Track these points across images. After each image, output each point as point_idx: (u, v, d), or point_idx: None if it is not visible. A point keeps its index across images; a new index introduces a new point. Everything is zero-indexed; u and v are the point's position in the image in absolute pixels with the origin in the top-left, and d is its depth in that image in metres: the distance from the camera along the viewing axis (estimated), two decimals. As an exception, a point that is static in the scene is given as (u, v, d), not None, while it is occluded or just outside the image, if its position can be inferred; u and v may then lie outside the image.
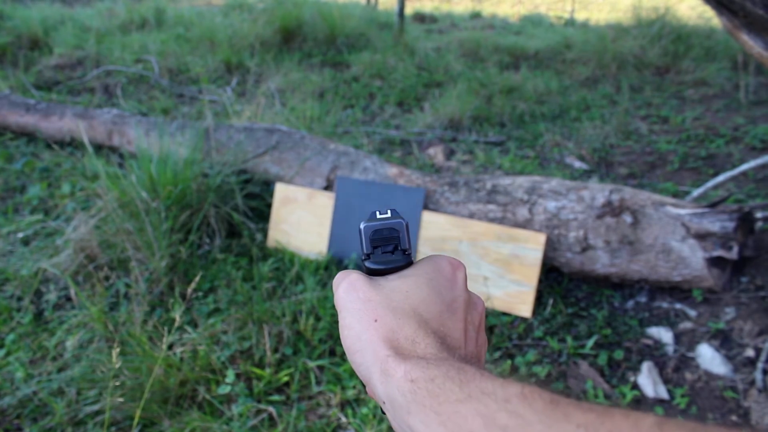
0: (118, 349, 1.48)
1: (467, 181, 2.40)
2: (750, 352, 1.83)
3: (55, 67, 5.52)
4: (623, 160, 3.44)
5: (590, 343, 1.93)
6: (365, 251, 0.45)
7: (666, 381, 1.80)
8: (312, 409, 1.73)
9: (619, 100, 4.48)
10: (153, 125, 3.24)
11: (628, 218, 2.07)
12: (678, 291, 2.13)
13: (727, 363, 1.81)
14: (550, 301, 2.14)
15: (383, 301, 0.41)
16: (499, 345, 1.96)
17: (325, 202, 2.46)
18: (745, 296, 2.03)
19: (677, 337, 1.95)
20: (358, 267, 2.32)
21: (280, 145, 2.78)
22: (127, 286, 2.25)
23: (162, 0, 8.07)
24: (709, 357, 1.84)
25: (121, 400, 1.63)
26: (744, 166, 2.47)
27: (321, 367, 1.87)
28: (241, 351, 1.91)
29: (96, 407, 1.69)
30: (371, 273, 0.46)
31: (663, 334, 1.96)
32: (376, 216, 0.46)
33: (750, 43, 2.08)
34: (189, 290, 1.80)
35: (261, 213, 2.68)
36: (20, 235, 2.67)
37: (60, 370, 1.87)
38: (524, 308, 2.08)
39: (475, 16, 9.88)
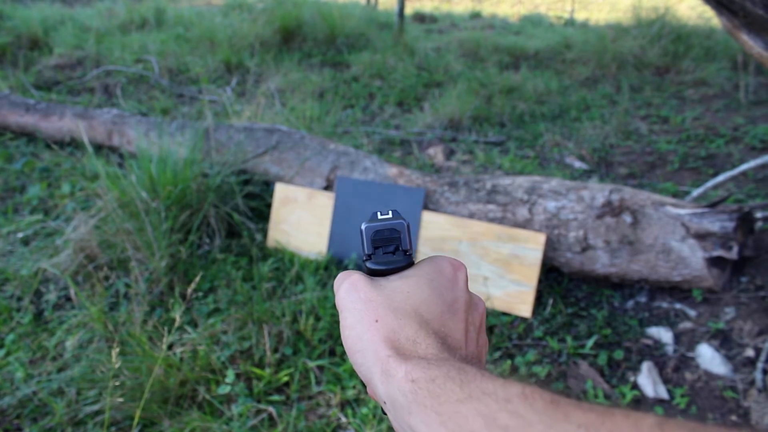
0: (117, 349, 1.48)
1: (467, 181, 2.40)
2: (750, 352, 1.83)
3: (54, 67, 5.52)
4: (623, 160, 3.44)
5: (590, 343, 1.93)
6: (366, 252, 0.45)
7: (666, 381, 1.80)
8: (312, 409, 1.73)
9: (619, 100, 4.48)
10: (153, 125, 3.24)
11: (628, 218, 2.07)
12: (678, 291, 2.13)
13: (727, 363, 1.81)
14: (550, 301, 2.14)
15: (384, 302, 0.41)
16: (499, 345, 1.96)
17: (325, 202, 2.46)
18: (744, 296, 2.03)
19: (677, 337, 1.96)
20: (359, 267, 2.32)
21: (280, 145, 2.78)
22: (127, 286, 2.25)
23: (162, 0, 8.07)
24: (709, 357, 1.84)
25: (120, 400, 1.63)
26: (744, 166, 2.47)
27: (321, 367, 1.87)
28: (241, 351, 1.91)
29: (96, 407, 1.69)
30: (372, 273, 0.46)
31: (663, 334, 1.97)
32: (377, 217, 0.46)
33: (750, 43, 2.08)
34: (189, 290, 1.80)
35: (261, 213, 2.68)
36: (20, 235, 2.67)
37: (60, 370, 1.87)
38: (524, 308, 2.08)
39: (475, 16, 9.89)
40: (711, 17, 5.99)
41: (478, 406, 0.31)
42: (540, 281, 2.19)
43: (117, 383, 1.67)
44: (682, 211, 2.04)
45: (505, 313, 2.10)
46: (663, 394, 1.74)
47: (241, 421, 1.64)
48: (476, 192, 2.33)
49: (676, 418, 0.29)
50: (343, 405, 1.73)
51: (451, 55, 5.84)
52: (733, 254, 1.96)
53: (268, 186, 2.78)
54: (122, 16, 7.33)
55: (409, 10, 9.36)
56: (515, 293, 2.10)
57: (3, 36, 6.14)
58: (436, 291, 0.43)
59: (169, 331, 1.86)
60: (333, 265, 2.37)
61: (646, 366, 1.83)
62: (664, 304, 2.10)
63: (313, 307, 2.07)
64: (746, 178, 2.96)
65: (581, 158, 3.49)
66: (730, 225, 1.95)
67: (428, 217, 2.28)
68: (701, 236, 1.98)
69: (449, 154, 3.57)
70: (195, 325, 2.05)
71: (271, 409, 1.70)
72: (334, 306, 2.08)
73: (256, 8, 7.48)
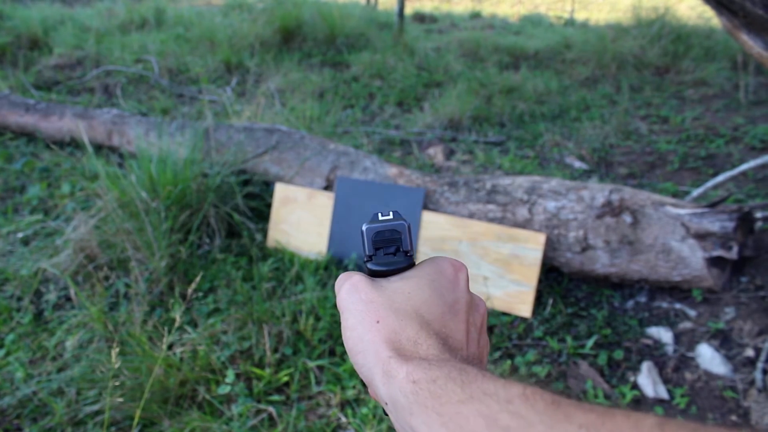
0: (117, 349, 1.48)
1: (467, 181, 2.40)
2: (750, 352, 1.83)
3: (54, 67, 5.52)
4: (623, 160, 3.44)
5: (590, 343, 1.93)
6: (367, 253, 0.45)
7: (666, 381, 1.80)
8: (312, 409, 1.73)
9: (618, 100, 4.48)
10: (153, 125, 3.24)
11: (627, 218, 2.07)
12: (678, 291, 2.13)
13: (726, 363, 1.81)
14: (550, 301, 2.14)
15: (385, 303, 0.41)
16: (499, 345, 1.96)
17: (325, 202, 2.46)
18: (744, 296, 2.03)
19: (677, 337, 1.96)
20: (359, 267, 2.33)
21: (280, 145, 2.78)
22: (127, 286, 2.25)
23: (162, 0, 8.07)
24: (708, 357, 1.84)
25: (120, 400, 1.63)
26: (744, 166, 2.47)
27: (321, 367, 1.87)
28: (241, 351, 1.91)
29: (96, 407, 1.69)
30: (373, 274, 0.46)
31: (663, 334, 1.97)
32: (378, 218, 0.46)
33: (750, 43, 2.08)
34: (189, 290, 1.80)
35: (261, 213, 2.68)
36: (20, 235, 2.67)
37: (60, 370, 1.87)
38: (524, 308, 2.08)
39: (475, 16, 9.89)
40: (711, 17, 5.99)
41: (479, 407, 0.31)
42: (540, 281, 2.20)
43: (117, 383, 1.67)
44: (682, 211, 2.04)
45: (505, 313, 2.10)
46: (663, 394, 1.74)
47: (241, 421, 1.65)
48: (476, 192, 2.33)
49: (677, 418, 0.29)
50: (343, 405, 1.73)
51: (451, 55, 5.84)
52: (733, 254, 1.96)
53: (268, 186, 2.78)
54: (122, 16, 7.33)
55: (409, 10, 9.36)
56: (515, 293, 2.10)
57: (3, 36, 6.14)
58: (437, 292, 0.43)
59: (169, 331, 1.86)
60: (333, 265, 2.37)
61: (646, 366, 1.83)
62: (664, 304, 2.10)
63: (313, 307, 2.07)
64: (746, 178, 2.96)
65: (581, 158, 3.49)
66: (730, 225, 1.95)
67: (428, 217, 2.28)
68: (701, 236, 1.98)
69: (449, 154, 3.57)
70: (195, 325, 2.05)
71: (271, 409, 1.70)
72: (334, 306, 2.08)
73: (256, 8, 7.48)
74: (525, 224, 2.20)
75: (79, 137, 3.45)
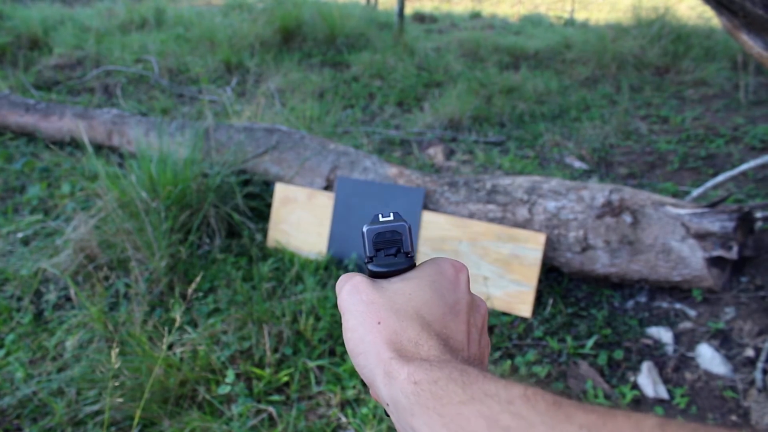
0: (117, 349, 1.48)
1: (467, 181, 2.40)
2: (750, 352, 1.83)
3: (54, 67, 5.52)
4: (623, 160, 3.44)
5: (590, 343, 1.93)
6: (368, 254, 0.45)
7: (666, 381, 1.80)
8: (312, 409, 1.73)
9: (619, 100, 4.48)
10: (153, 125, 3.24)
11: (627, 218, 2.07)
12: (678, 291, 2.13)
13: (726, 363, 1.81)
14: (550, 301, 2.14)
15: (386, 304, 0.41)
16: (499, 345, 1.97)
17: (325, 202, 2.46)
18: (744, 296, 2.03)
19: (677, 337, 1.96)
20: (359, 267, 2.33)
21: (280, 145, 2.78)
22: (127, 286, 2.25)
23: (162, 0, 8.07)
24: (708, 357, 1.84)
25: (120, 400, 1.63)
26: (744, 166, 2.47)
27: (321, 367, 1.87)
28: (241, 351, 1.91)
29: (96, 407, 1.69)
30: (374, 276, 0.46)
31: (663, 334, 1.97)
32: (378, 219, 0.46)
33: (750, 43, 2.08)
34: (189, 290, 1.80)
35: (261, 213, 2.68)
36: (20, 235, 2.67)
37: (60, 370, 1.87)
38: (524, 308, 2.08)
39: (475, 16, 9.89)
40: (711, 17, 5.99)
41: (480, 408, 0.31)
42: (540, 281, 2.20)
43: (117, 383, 1.67)
44: (682, 211, 2.04)
45: (505, 313, 2.10)
46: (663, 394, 1.74)
47: (241, 421, 1.65)
48: (476, 192, 2.33)
49: (677, 418, 0.29)
50: (343, 405, 1.73)
51: (451, 55, 5.84)
52: (733, 254, 1.96)
53: (268, 186, 2.78)
54: (122, 16, 7.33)
55: (409, 10, 9.36)
56: (515, 293, 2.10)
57: (3, 36, 6.14)
58: (437, 293, 0.43)
59: (169, 331, 1.86)
60: (333, 265, 2.37)
61: (646, 366, 1.83)
62: (664, 304, 2.10)
63: (313, 307, 2.07)
64: (746, 178, 2.97)
65: (581, 158, 3.49)
66: (730, 225, 1.96)
67: (428, 217, 2.28)
68: (701, 236, 1.98)
69: (449, 154, 3.57)
70: (195, 325, 2.05)
71: (271, 409, 1.70)
72: (334, 306, 2.08)
73: (256, 8, 7.48)
74: (525, 224, 2.20)
75: (79, 137, 3.45)
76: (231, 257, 2.41)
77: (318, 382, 1.82)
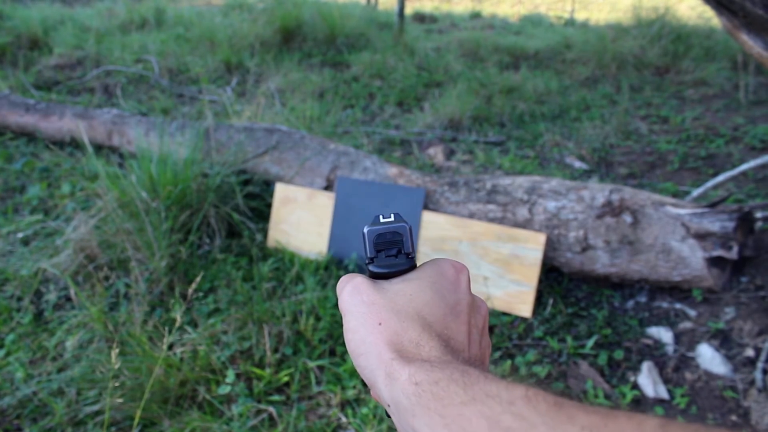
0: (117, 350, 1.48)
1: (467, 181, 2.40)
2: (750, 352, 1.83)
3: (54, 67, 5.52)
4: (623, 160, 3.44)
5: (590, 343, 1.93)
6: (369, 255, 0.45)
7: (666, 381, 1.80)
8: (312, 409, 1.73)
9: (619, 100, 4.48)
10: (153, 125, 3.24)
11: (628, 218, 2.07)
12: (678, 291, 2.13)
13: (727, 363, 1.81)
14: (550, 301, 2.14)
15: (387, 305, 0.41)
16: (499, 345, 1.97)
17: (325, 202, 2.46)
18: (744, 296, 2.03)
19: (677, 337, 1.96)
20: (359, 267, 2.33)
21: (280, 145, 2.78)
22: (127, 286, 2.25)
23: (162, 0, 8.07)
24: (709, 357, 1.84)
25: (120, 400, 1.63)
26: (744, 166, 2.47)
27: (321, 367, 1.87)
28: (241, 351, 1.91)
29: (96, 407, 1.69)
30: (375, 277, 0.46)
31: (663, 334, 1.97)
32: (379, 220, 0.46)
33: (750, 43, 2.08)
34: (189, 290, 1.80)
35: (261, 213, 2.68)
36: (20, 235, 2.67)
37: (60, 370, 1.87)
38: (524, 308, 2.08)
39: (475, 16, 9.89)
40: (711, 17, 5.99)
41: (481, 409, 0.31)
42: (540, 281, 2.20)
43: (117, 383, 1.67)
44: (682, 211, 2.04)
45: (505, 313, 2.10)
46: (663, 394, 1.74)
47: (241, 421, 1.65)
48: (476, 192, 2.33)
49: (678, 419, 0.29)
50: (344, 405, 1.73)
51: (451, 55, 5.84)
52: (733, 254, 1.96)
53: (268, 186, 2.78)
54: (122, 16, 7.33)
55: (409, 10, 9.36)
56: (515, 293, 2.10)
57: (3, 36, 6.13)
58: (438, 293, 0.43)
59: (170, 331, 1.86)
60: (333, 265, 2.37)
61: (646, 366, 1.83)
62: (664, 304, 2.10)
63: (314, 307, 2.07)
64: (746, 178, 2.97)
65: (581, 158, 3.49)
66: (730, 225, 1.96)
67: (428, 217, 2.28)
68: (701, 236, 1.98)
69: (449, 154, 3.57)
70: (195, 325, 2.05)
71: (271, 409, 1.70)
72: (334, 306, 2.08)
73: (256, 8, 7.48)
74: (525, 224, 2.20)
75: (79, 137, 3.44)
76: (231, 257, 2.41)
77: (318, 382, 1.82)
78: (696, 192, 2.57)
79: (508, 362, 1.87)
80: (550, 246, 2.16)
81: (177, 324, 1.64)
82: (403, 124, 4.16)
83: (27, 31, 6.19)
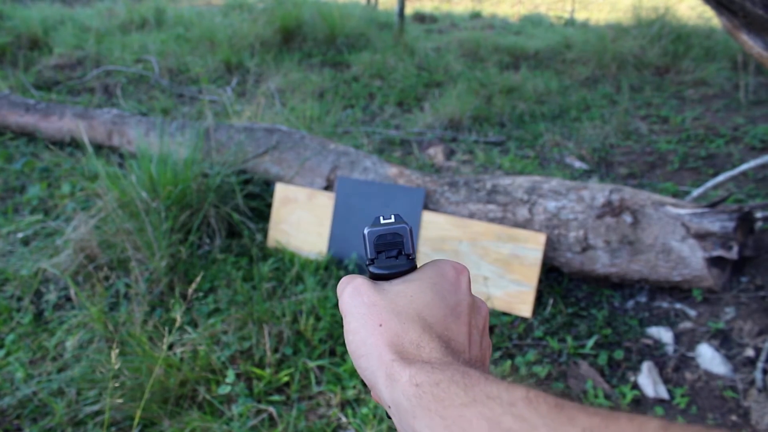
0: (117, 350, 1.48)
1: (467, 181, 2.40)
2: (750, 352, 1.83)
3: (54, 67, 5.51)
4: (623, 160, 3.44)
5: (590, 343, 1.93)
6: (369, 256, 0.45)
7: (666, 381, 1.80)
8: (312, 409, 1.73)
9: (619, 100, 4.48)
10: (153, 125, 3.24)
11: (628, 218, 2.07)
12: (678, 291, 2.13)
13: (727, 363, 1.81)
14: (550, 301, 2.14)
15: (388, 306, 0.41)
16: (499, 345, 1.97)
17: (325, 202, 2.46)
18: (745, 296, 2.03)
19: (677, 337, 1.96)
20: (360, 267, 2.33)
21: (280, 145, 2.78)
22: (127, 286, 2.25)
23: (162, 0, 8.07)
24: (709, 357, 1.84)
25: (120, 400, 1.63)
26: (744, 166, 2.47)
27: (321, 367, 1.87)
28: (241, 351, 1.91)
29: (96, 407, 1.69)
30: (375, 278, 0.46)
31: (663, 334, 1.97)
32: (380, 221, 0.46)
33: (750, 43, 2.08)
34: (189, 290, 1.80)
35: (261, 213, 2.68)
36: (20, 235, 2.67)
37: (60, 370, 1.87)
38: (524, 308, 2.08)
39: (475, 16, 9.89)
40: (711, 17, 5.99)
41: (482, 410, 0.31)
42: (540, 281, 2.20)
43: (117, 383, 1.67)
44: (682, 211, 2.04)
45: (505, 313, 2.10)
46: (663, 394, 1.74)
47: (241, 421, 1.65)
48: (476, 192, 2.33)
49: (679, 420, 0.29)
50: (344, 405, 1.73)
51: (451, 55, 5.84)
52: (733, 254, 1.96)
53: (268, 186, 2.78)
54: (122, 16, 7.33)
55: (409, 10, 9.36)
56: (515, 293, 2.10)
57: (3, 36, 6.13)
58: (439, 294, 0.43)
59: (170, 331, 1.86)
60: (333, 265, 2.37)
61: (647, 366, 1.83)
62: (664, 304, 2.10)
63: (314, 307, 2.07)
64: (746, 178, 2.97)
65: (581, 158, 3.49)
66: (730, 225, 1.96)
67: (428, 217, 2.28)
68: (701, 236, 1.98)
69: (449, 154, 3.57)
70: (195, 325, 2.05)
71: (271, 409, 1.70)
72: (334, 306, 2.08)
73: (256, 8, 7.48)
74: (525, 224, 2.20)
75: (79, 137, 3.44)
76: (231, 257, 2.41)
77: (318, 382, 1.82)
78: (696, 192, 2.57)
79: (508, 362, 1.87)
80: (550, 246, 2.16)
81: (177, 324, 1.64)
82: (403, 124, 4.16)
83: (27, 31, 6.18)
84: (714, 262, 2.00)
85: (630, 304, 2.14)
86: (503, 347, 1.96)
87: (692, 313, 2.04)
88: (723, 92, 4.55)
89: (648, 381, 1.78)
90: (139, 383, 1.70)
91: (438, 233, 2.26)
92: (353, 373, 1.82)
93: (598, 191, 2.17)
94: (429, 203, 2.35)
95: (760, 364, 1.76)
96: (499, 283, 2.13)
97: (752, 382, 1.73)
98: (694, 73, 4.96)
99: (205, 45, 5.97)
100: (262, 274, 2.27)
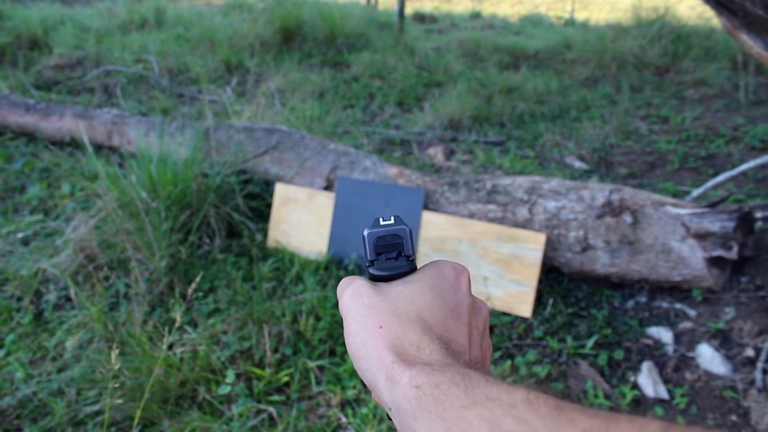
0: (117, 350, 1.48)
1: (467, 181, 2.40)
2: (750, 352, 1.83)
3: (54, 67, 5.51)
4: (623, 160, 3.44)
5: (590, 343, 1.93)
6: (369, 258, 0.45)
7: (666, 381, 1.80)
8: (312, 409, 1.73)
9: (619, 100, 4.48)
10: (153, 125, 3.23)
11: (628, 218, 2.07)
12: (678, 291, 2.13)
13: (726, 363, 1.81)
14: (550, 301, 2.14)
15: (388, 307, 0.41)
16: (499, 345, 1.97)
17: (325, 202, 2.46)
18: (744, 296, 2.03)
19: (677, 337, 1.96)
20: (359, 267, 2.33)
21: (280, 145, 2.78)
22: (127, 286, 2.25)
23: (162, 0, 8.07)
24: (708, 357, 1.84)
25: (120, 400, 1.63)
26: (744, 166, 2.47)
27: (321, 367, 1.87)
28: (241, 351, 1.91)
29: (96, 407, 1.69)
30: (375, 279, 0.46)
31: (663, 334, 1.97)
32: (379, 223, 0.46)
33: (750, 43, 2.08)
34: (189, 290, 1.80)
35: (261, 213, 2.68)
36: (20, 235, 2.67)
37: (60, 370, 1.87)
38: (524, 308, 2.08)
39: (475, 16, 9.89)
40: (711, 17, 5.99)
41: (482, 412, 0.31)
42: (540, 281, 2.20)
43: (117, 383, 1.67)
44: (682, 211, 2.04)
45: (505, 313, 2.10)
46: (663, 394, 1.74)
47: (241, 421, 1.65)
48: (476, 192, 2.33)
49: (680, 420, 0.29)
50: (344, 405, 1.73)
51: (451, 55, 5.84)
52: (733, 254, 1.96)
53: (268, 186, 2.78)
54: (122, 16, 7.33)
55: (409, 10, 9.36)
56: (515, 293, 2.10)
57: (3, 36, 6.13)
58: (439, 296, 0.43)
59: (170, 332, 1.86)
60: (333, 265, 2.37)
61: (646, 366, 1.83)
62: (664, 304, 2.10)
63: (314, 307, 2.07)
64: (746, 178, 2.97)
65: (581, 158, 3.49)
66: (730, 225, 1.96)
67: (428, 217, 2.28)
68: (701, 236, 1.98)
69: (449, 154, 3.57)
70: (195, 325, 2.05)
71: (271, 409, 1.70)
72: (334, 306, 2.08)
73: (256, 8, 7.48)
74: (525, 224, 2.20)
75: (79, 137, 3.44)
76: (231, 257, 2.41)
77: (318, 382, 1.82)
78: (696, 192, 2.57)
79: (508, 362, 1.87)
80: (550, 246, 2.16)
81: (177, 324, 1.64)
82: (403, 124, 4.16)
83: (27, 31, 6.18)
84: (714, 262, 2.00)
85: (630, 304, 2.14)
86: (503, 347, 1.96)
87: (692, 313, 2.04)
88: (723, 92, 4.55)
89: (648, 381, 1.78)
90: (139, 383, 1.70)
91: (438, 233, 2.26)
92: (353, 374, 1.82)
93: (598, 191, 2.17)
94: (429, 203, 2.35)
95: (760, 364, 1.76)
96: (499, 283, 2.13)
97: (752, 382, 1.73)
98: (694, 73, 4.96)
99: (205, 45, 5.97)
100: (262, 274, 2.27)
